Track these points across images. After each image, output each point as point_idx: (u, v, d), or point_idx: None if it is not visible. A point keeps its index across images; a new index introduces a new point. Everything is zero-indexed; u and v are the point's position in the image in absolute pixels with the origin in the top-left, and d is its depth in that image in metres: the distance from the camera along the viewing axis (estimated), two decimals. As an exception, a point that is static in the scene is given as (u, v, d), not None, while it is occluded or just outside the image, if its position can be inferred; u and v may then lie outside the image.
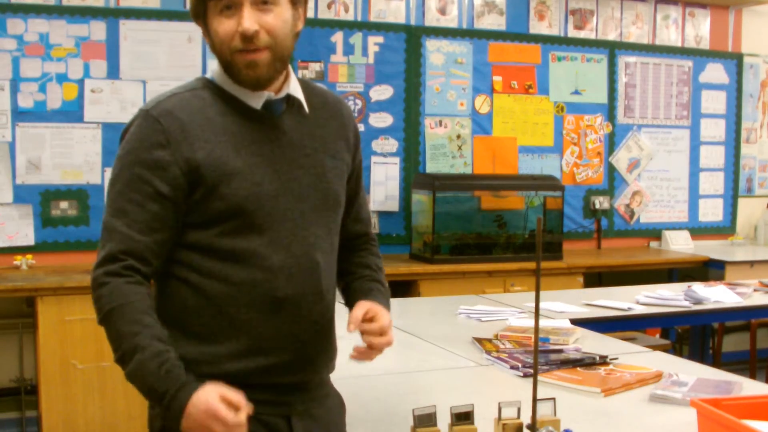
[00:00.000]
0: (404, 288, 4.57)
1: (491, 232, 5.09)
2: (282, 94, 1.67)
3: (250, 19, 1.56)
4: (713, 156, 6.03)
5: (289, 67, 1.70)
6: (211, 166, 1.57)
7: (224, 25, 1.58)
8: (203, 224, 1.60)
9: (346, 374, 2.35)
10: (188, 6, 1.67)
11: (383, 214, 5.04)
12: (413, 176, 5.05)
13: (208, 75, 1.71)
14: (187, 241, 1.61)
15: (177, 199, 1.58)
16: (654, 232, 5.82)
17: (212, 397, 1.48)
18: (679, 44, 5.88)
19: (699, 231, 5.95)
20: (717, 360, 5.33)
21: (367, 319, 1.68)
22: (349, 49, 4.93)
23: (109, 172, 4.72)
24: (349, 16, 4.95)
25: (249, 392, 1.56)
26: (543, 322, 2.89)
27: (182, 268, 1.62)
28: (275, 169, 1.63)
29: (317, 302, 1.67)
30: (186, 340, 1.61)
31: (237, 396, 1.50)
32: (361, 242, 1.89)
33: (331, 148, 1.73)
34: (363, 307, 1.70)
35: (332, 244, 1.73)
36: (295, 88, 1.70)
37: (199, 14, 1.63)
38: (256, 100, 1.64)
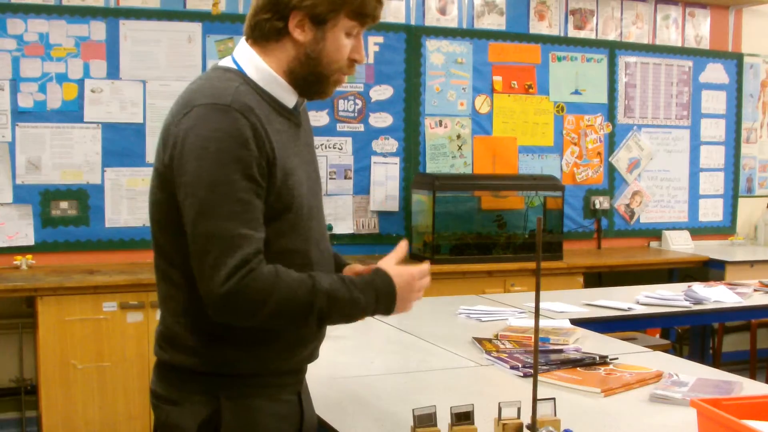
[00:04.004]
0: (404, 288, 4.56)
1: (491, 232, 5.09)
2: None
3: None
4: (713, 156, 6.03)
5: None
6: (279, 164, 1.59)
7: (347, 47, 1.67)
8: (264, 222, 1.59)
9: (347, 374, 2.35)
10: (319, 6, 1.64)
11: (383, 214, 5.04)
12: (413, 176, 5.05)
13: (234, 67, 1.67)
14: None
15: (265, 194, 1.58)
16: (654, 232, 5.82)
17: (396, 269, 1.67)
18: (679, 44, 5.87)
19: (699, 231, 5.95)
20: (717, 360, 5.33)
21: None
22: (349, 49, 4.92)
23: (109, 173, 4.74)
24: (349, 16, 4.94)
25: (274, 378, 1.69)
26: (543, 322, 2.89)
27: None
28: (303, 168, 1.69)
29: None
30: (232, 346, 1.63)
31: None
32: None
33: (312, 141, 1.84)
34: (357, 266, 1.82)
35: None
36: None
37: (321, 17, 1.62)
38: (291, 100, 1.69)
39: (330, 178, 4.89)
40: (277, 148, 1.58)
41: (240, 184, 1.51)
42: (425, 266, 1.71)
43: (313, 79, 1.67)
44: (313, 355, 1.79)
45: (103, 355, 3.86)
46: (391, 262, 1.69)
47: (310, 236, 1.68)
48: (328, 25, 1.63)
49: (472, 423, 1.76)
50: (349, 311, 1.61)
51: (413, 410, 1.73)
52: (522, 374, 2.34)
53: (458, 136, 5.21)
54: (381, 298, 1.64)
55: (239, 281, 1.49)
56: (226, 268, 1.49)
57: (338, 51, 1.65)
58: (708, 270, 5.28)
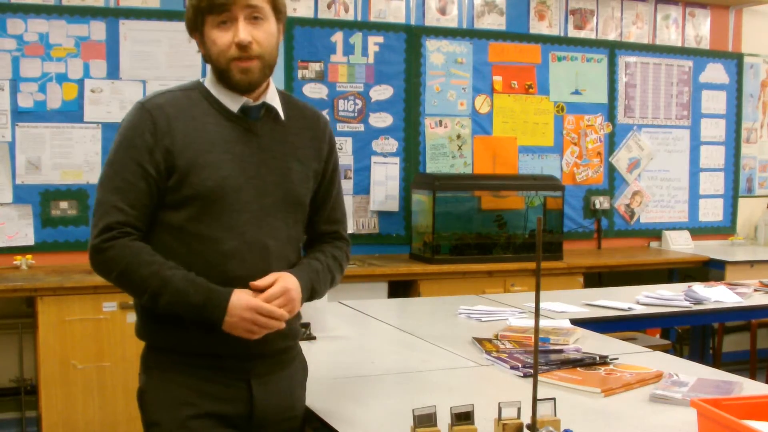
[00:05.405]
0: (404, 288, 4.57)
1: (491, 232, 5.09)
2: (259, 102, 1.89)
3: (245, 31, 1.80)
4: (713, 156, 6.03)
5: (270, 79, 1.91)
6: (185, 157, 1.81)
7: (222, 38, 1.82)
8: (175, 206, 1.82)
9: (347, 374, 2.35)
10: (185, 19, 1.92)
11: (383, 214, 5.04)
12: (413, 176, 5.05)
13: (201, 79, 1.94)
14: (162, 221, 1.84)
15: (158, 181, 1.81)
16: (654, 232, 5.82)
17: (249, 296, 1.78)
18: (679, 44, 5.88)
19: (699, 231, 5.95)
20: (717, 360, 5.33)
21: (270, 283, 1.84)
22: (349, 49, 4.93)
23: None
24: (349, 16, 4.95)
25: (212, 360, 1.84)
26: (543, 322, 2.89)
27: (156, 248, 1.82)
28: (242, 166, 1.86)
29: None
30: (158, 323, 1.87)
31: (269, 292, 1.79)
32: (328, 238, 2.07)
33: (300, 155, 1.95)
34: (273, 275, 1.85)
35: (289, 236, 1.93)
36: (272, 98, 1.92)
37: (197, 27, 1.86)
38: (235, 105, 1.88)
39: (330, 178, 4.89)
40: (184, 142, 1.81)
41: (130, 166, 1.80)
42: (278, 312, 1.79)
43: (221, 76, 1.85)
44: (237, 344, 1.82)
45: (103, 355, 3.86)
46: (247, 293, 1.78)
47: (234, 227, 1.83)
48: (203, 31, 1.85)
49: (472, 423, 1.76)
50: (179, 300, 1.77)
51: (413, 410, 1.73)
52: (522, 374, 2.34)
53: (458, 136, 5.21)
54: (209, 305, 1.77)
55: (100, 243, 1.79)
56: (96, 229, 1.80)
57: (213, 44, 1.83)
58: (708, 270, 5.28)
